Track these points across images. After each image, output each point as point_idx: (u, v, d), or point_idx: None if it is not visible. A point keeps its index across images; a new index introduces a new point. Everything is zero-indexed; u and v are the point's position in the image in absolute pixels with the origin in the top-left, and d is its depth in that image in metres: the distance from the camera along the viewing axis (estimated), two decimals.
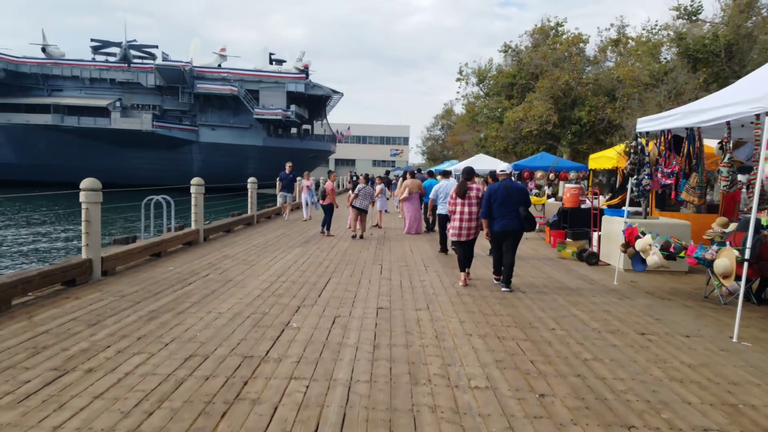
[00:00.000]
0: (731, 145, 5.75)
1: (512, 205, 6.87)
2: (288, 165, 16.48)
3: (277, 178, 16.51)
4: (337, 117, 79.83)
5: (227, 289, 6.36)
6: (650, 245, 6.69)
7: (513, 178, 18.43)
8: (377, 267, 8.35)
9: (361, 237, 12.24)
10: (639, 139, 7.44)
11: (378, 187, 14.69)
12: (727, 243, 5.65)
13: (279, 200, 16.39)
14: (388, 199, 18.27)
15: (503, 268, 7.06)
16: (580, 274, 8.31)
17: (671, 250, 6.33)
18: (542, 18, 42.56)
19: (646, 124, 7.17)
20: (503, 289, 6.91)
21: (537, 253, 10.69)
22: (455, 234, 7.30)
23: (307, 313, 5.36)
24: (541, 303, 6.24)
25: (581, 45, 33.08)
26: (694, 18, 25.05)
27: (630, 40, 31.31)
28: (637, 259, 7.09)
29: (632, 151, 7.51)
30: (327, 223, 12.59)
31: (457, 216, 7.27)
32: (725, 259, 5.45)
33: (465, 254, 7.35)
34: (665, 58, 26.11)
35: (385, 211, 16.18)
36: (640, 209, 9.42)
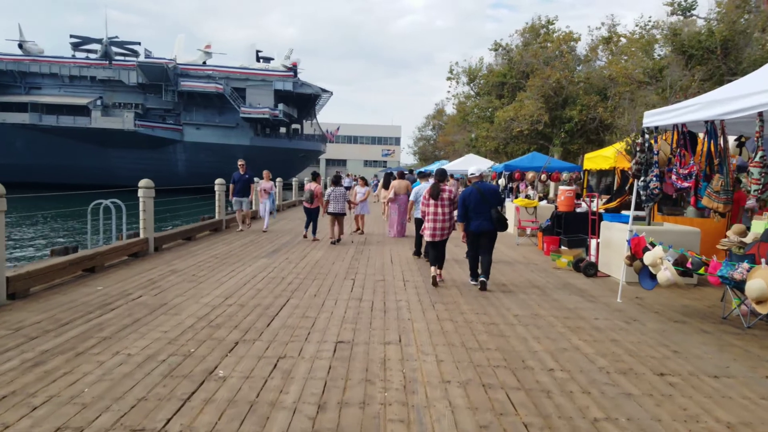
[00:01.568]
0: (761, 141, 4.77)
1: (485, 207, 7.14)
2: (241, 163, 13.07)
3: (231, 182, 13.20)
4: (331, 117, 78.81)
5: (155, 317, 5.26)
6: (661, 259, 5.70)
7: (503, 179, 17.63)
8: (349, 283, 7.29)
9: (338, 241, 11.60)
10: (646, 136, 6.46)
11: (364, 189, 13.56)
12: (763, 261, 4.66)
13: (235, 206, 13.23)
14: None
15: (481, 266, 7.25)
16: (578, 289, 7.32)
17: (688, 265, 5.34)
18: (533, 17, 42.13)
19: (656, 117, 6.18)
20: (481, 278, 7.15)
21: (529, 261, 9.70)
22: (430, 235, 7.49)
23: (243, 353, 4.29)
24: (535, 330, 5.22)
25: (572, 43, 32.40)
26: (688, 14, 24.33)
27: (622, 38, 30.60)
28: (645, 275, 6.09)
29: (638, 149, 6.52)
30: (313, 227, 12.09)
31: (431, 217, 7.45)
32: (761, 281, 4.46)
33: (439, 254, 7.57)
34: (659, 55, 25.34)
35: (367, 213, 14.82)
36: (640, 213, 8.41)
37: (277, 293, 6.45)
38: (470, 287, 7.22)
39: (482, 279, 7.12)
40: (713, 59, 20.44)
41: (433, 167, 32.80)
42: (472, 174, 7.77)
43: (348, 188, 13.48)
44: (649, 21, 26.89)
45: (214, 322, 5.14)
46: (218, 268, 8.04)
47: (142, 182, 9.24)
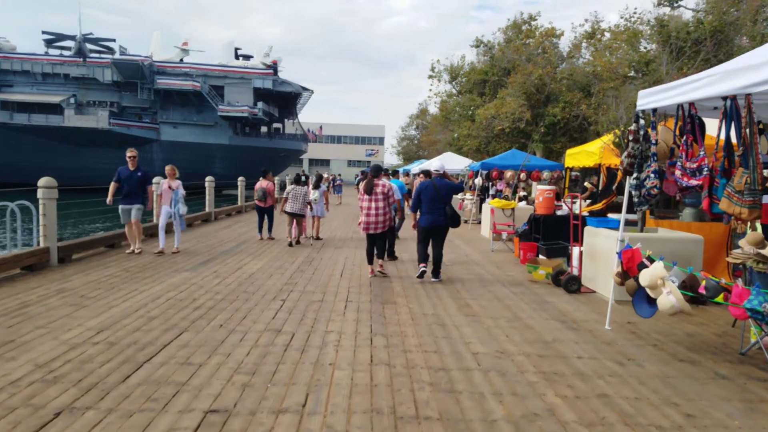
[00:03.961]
0: None
1: (439, 203, 7.37)
2: (131, 155, 9.05)
3: (115, 179, 9.04)
4: (315, 116, 77.32)
5: None
6: (663, 279, 4.39)
7: (480, 178, 16.42)
8: (276, 305, 5.88)
9: (298, 243, 10.97)
10: (641, 121, 5.16)
11: (315, 192, 12.04)
12: None
13: (122, 220, 9.15)
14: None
15: (433, 262, 7.52)
16: (557, 311, 5.99)
17: (701, 290, 4.04)
18: (515, 14, 41.67)
19: (654, 97, 4.89)
20: (432, 279, 7.47)
21: (502, 272, 8.38)
22: (365, 228, 7.67)
23: None
24: (498, 379, 3.87)
25: (554, 40, 31.46)
26: (675, 4, 23.39)
27: (606, 32, 29.64)
28: (641, 298, 4.78)
29: (631, 138, 5.22)
30: (269, 225, 11.68)
31: (365, 211, 7.64)
32: None
33: (376, 247, 7.77)
34: (645, 47, 24.33)
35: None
36: (630, 217, 7.03)
37: (171, 323, 5.00)
38: (426, 310, 5.87)
39: (434, 279, 7.44)
40: (703, 52, 19.46)
41: (412, 167, 31.69)
42: (435, 170, 7.80)
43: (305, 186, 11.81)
44: (635, 13, 25.95)
45: (55, 373, 3.70)
46: (122, 285, 6.57)
47: (42, 181, 7.72)
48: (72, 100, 53.83)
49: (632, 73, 22.77)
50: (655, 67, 20.01)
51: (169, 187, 9.30)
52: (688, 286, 4.19)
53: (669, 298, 4.30)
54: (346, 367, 4.02)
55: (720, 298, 3.97)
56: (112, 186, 8.92)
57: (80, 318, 5.09)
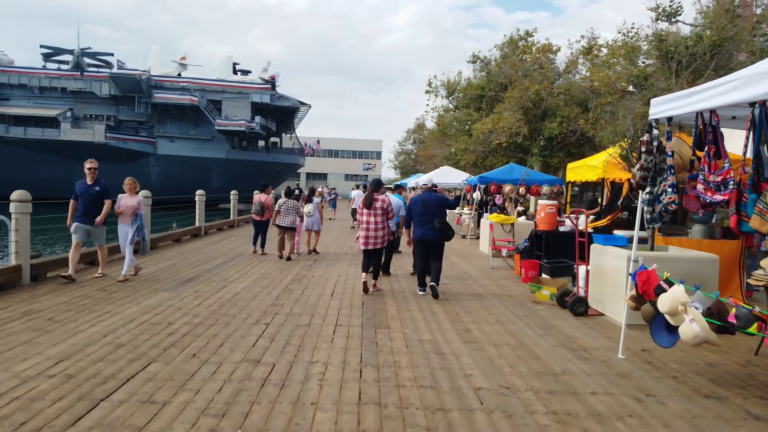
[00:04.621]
0: None
1: (428, 217, 7.32)
2: (90, 166, 7.85)
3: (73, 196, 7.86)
4: (313, 131, 77.50)
5: None
6: (685, 306, 3.95)
7: (479, 192, 16.03)
8: (258, 330, 5.41)
9: (289, 258, 10.64)
10: (655, 131, 4.76)
11: (308, 205, 11.58)
12: None
13: (73, 238, 7.72)
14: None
15: (431, 272, 7.38)
16: (564, 336, 5.53)
17: (731, 319, 3.60)
18: (511, 31, 41.92)
19: (669, 105, 4.50)
20: (431, 284, 7.30)
21: (503, 291, 7.93)
22: (363, 243, 7.50)
23: None
24: (504, 424, 3.38)
25: (551, 56, 31.41)
26: (673, 20, 23.30)
27: (603, 48, 29.58)
28: (659, 325, 4.34)
29: (644, 149, 4.81)
30: (262, 240, 11.47)
31: (364, 226, 7.51)
32: None
33: (375, 263, 7.66)
34: (643, 62, 24.18)
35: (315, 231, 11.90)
36: (641, 234, 6.58)
37: (140, 352, 4.52)
38: (422, 336, 5.41)
39: (432, 284, 7.26)
40: (701, 66, 19.28)
41: (408, 180, 31.39)
42: (423, 184, 7.93)
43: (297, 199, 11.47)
44: (632, 28, 25.81)
45: None
46: (94, 306, 6.08)
47: (15, 194, 7.26)
48: (69, 114, 53.76)
49: (631, 88, 22.57)
50: (653, 81, 19.81)
51: (133, 212, 8.09)
52: (715, 313, 3.75)
53: (692, 326, 3.86)
54: (330, 407, 3.54)
55: (753, 328, 3.52)
56: (71, 205, 7.69)
57: (41, 345, 4.61)
